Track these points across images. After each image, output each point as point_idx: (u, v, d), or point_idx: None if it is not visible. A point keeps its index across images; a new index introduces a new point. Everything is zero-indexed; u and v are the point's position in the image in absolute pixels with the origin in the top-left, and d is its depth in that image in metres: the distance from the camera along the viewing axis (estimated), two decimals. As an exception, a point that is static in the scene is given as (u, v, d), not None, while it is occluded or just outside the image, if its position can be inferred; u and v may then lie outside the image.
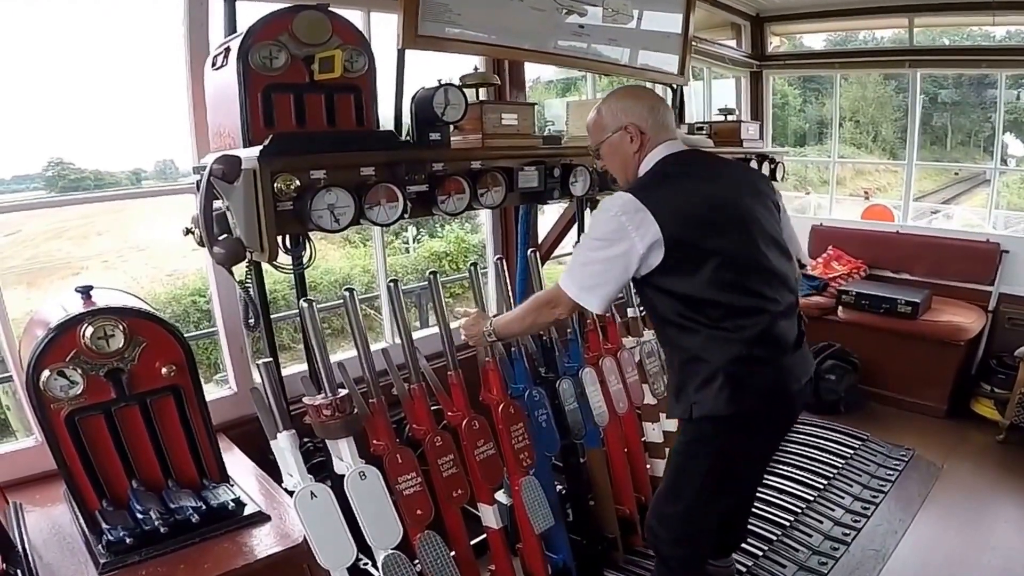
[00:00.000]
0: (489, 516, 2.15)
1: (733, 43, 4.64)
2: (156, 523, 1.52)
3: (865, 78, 15.17)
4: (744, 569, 2.51)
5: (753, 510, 2.53)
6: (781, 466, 3.21)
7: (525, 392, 2.27)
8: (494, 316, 1.99)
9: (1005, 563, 2.60)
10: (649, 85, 3.31)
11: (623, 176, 1.90)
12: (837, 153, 5.89)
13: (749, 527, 2.52)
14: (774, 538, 2.70)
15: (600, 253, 1.68)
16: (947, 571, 2.59)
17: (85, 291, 1.68)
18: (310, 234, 1.84)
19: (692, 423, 1.77)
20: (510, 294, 2.42)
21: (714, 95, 4.70)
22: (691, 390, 1.72)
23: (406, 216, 1.82)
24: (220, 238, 1.66)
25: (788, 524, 2.79)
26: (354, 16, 2.25)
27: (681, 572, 2.00)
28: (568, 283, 1.73)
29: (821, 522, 2.83)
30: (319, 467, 1.86)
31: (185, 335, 1.70)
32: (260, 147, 1.57)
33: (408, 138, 1.96)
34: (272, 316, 2.04)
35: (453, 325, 2.21)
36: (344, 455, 1.74)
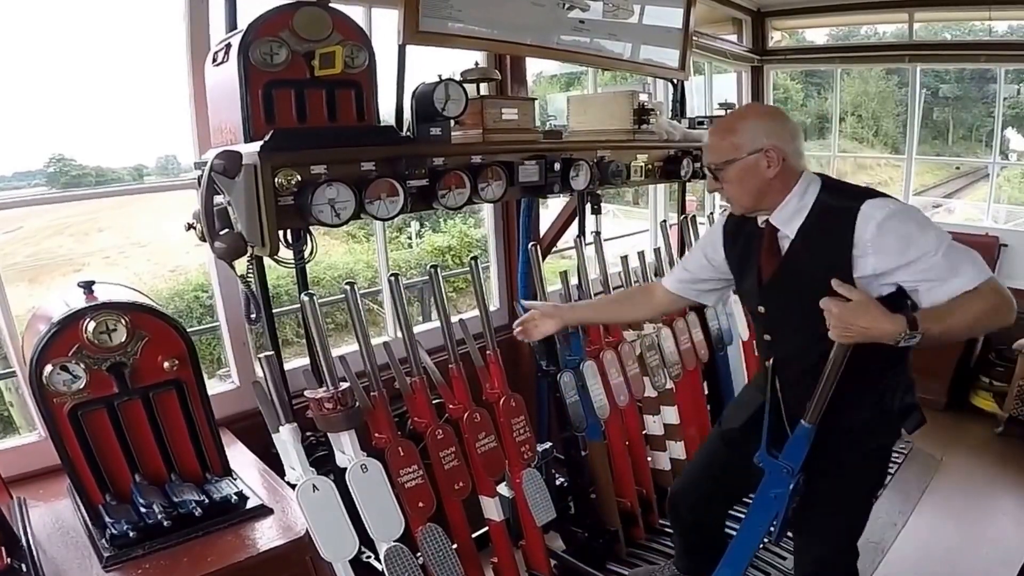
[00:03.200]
0: (491, 508, 2.16)
1: (734, 38, 4.63)
2: (159, 517, 1.53)
3: (867, 73, 15.11)
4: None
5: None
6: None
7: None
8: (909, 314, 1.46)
9: (1004, 555, 2.61)
10: (649, 80, 3.32)
11: (753, 203, 1.68)
12: (838, 148, 5.88)
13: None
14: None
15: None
16: (946, 563, 2.60)
17: (87, 286, 1.68)
18: (311, 228, 1.84)
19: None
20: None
21: (715, 90, 4.69)
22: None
23: (406, 210, 1.83)
24: (222, 233, 1.66)
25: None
26: (355, 12, 2.25)
27: None
28: (985, 270, 1.48)
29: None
30: (321, 460, 1.86)
31: (187, 330, 1.71)
32: (261, 142, 1.57)
33: (409, 133, 1.96)
34: (274, 310, 2.04)
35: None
36: (346, 448, 1.75)
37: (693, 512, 2.11)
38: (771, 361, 1.82)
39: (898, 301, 1.54)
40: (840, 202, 1.58)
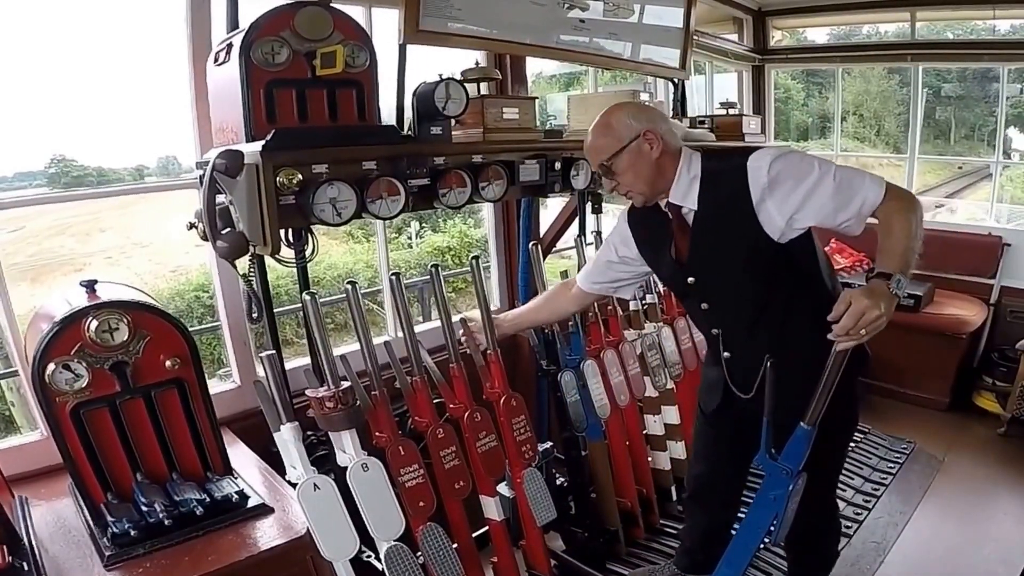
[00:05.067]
0: (491, 508, 2.16)
1: (735, 37, 4.63)
2: (161, 515, 1.53)
3: (868, 72, 15.09)
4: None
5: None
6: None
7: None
8: (877, 275, 1.52)
9: (1005, 555, 2.61)
10: (650, 80, 3.32)
11: (650, 188, 1.76)
12: (840, 147, 5.88)
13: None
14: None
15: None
16: (948, 563, 2.60)
17: (89, 285, 1.69)
18: (312, 228, 1.84)
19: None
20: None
21: (716, 89, 4.69)
22: None
23: (408, 210, 1.83)
24: (223, 232, 1.67)
25: (789, 517, 2.80)
26: (356, 11, 2.25)
27: None
28: (874, 177, 1.59)
29: (822, 515, 2.83)
30: (322, 460, 1.87)
31: (189, 329, 1.71)
32: (262, 142, 1.58)
33: (409, 132, 1.97)
34: (275, 310, 2.05)
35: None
36: (347, 447, 1.75)
37: (716, 493, 2.18)
38: (716, 330, 1.87)
39: (807, 244, 1.66)
40: (726, 163, 1.69)
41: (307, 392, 1.76)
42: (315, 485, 1.62)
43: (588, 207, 2.78)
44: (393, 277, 2.09)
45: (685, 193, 1.73)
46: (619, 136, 1.72)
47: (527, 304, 2.34)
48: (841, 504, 2.87)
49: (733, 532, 2.13)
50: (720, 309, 1.84)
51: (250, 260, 1.82)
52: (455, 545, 1.98)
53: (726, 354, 1.85)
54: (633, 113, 1.75)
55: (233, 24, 1.91)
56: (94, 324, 1.55)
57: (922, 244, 1.56)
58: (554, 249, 3.24)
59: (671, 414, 2.79)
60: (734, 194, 1.64)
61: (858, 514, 2.85)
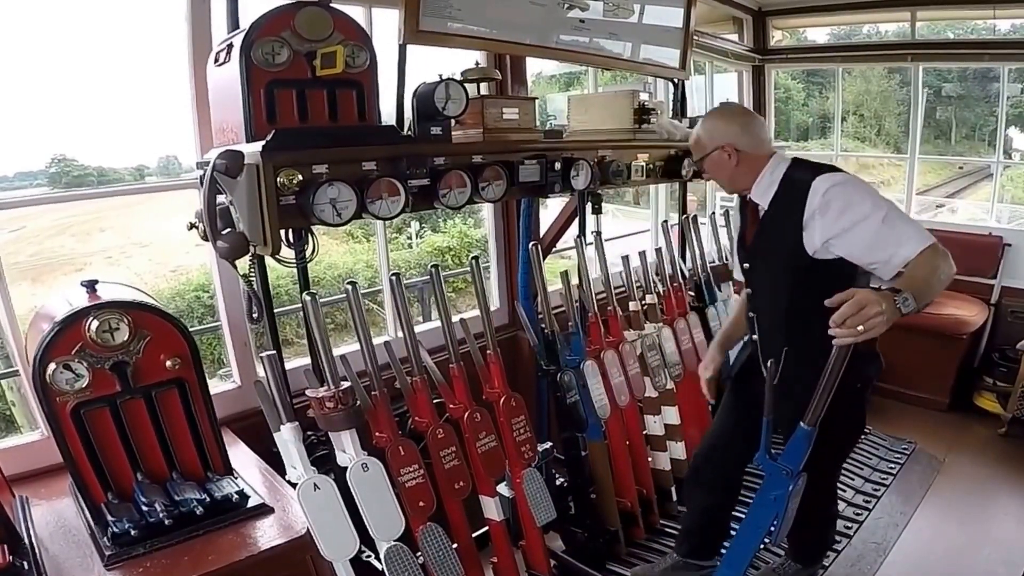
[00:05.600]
0: (491, 508, 2.16)
1: (735, 37, 4.63)
2: (161, 515, 1.53)
3: (869, 72, 15.09)
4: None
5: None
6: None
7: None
8: (888, 288, 1.57)
9: (1006, 555, 2.61)
10: (650, 80, 3.32)
11: (729, 185, 2.05)
12: (840, 147, 5.88)
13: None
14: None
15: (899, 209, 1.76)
16: (948, 564, 2.60)
17: (90, 285, 1.69)
18: (312, 228, 1.85)
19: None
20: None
21: (716, 89, 4.69)
22: None
23: (407, 210, 1.83)
24: (224, 232, 1.67)
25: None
26: (356, 12, 2.26)
27: None
28: (922, 232, 1.68)
29: (822, 515, 2.83)
30: (322, 460, 1.87)
31: (189, 329, 1.71)
32: (263, 142, 1.58)
33: (409, 133, 1.97)
34: (275, 310, 2.05)
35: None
36: (347, 447, 1.75)
37: (716, 468, 2.27)
38: (752, 314, 2.10)
39: (845, 267, 1.77)
40: (801, 175, 1.85)
41: (307, 392, 1.76)
42: (315, 485, 1.63)
43: (588, 207, 2.77)
44: (393, 277, 2.09)
45: (762, 193, 1.94)
46: (703, 146, 2.00)
47: (729, 319, 2.41)
48: (841, 504, 2.88)
49: (733, 530, 2.15)
50: (759, 298, 2.07)
51: (250, 260, 1.82)
52: (455, 545, 1.98)
53: (755, 336, 2.09)
54: (719, 127, 1.97)
55: (233, 24, 1.91)
56: (95, 324, 1.55)
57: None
58: (554, 249, 3.24)
59: (671, 414, 2.79)
60: (793, 205, 1.82)
61: (858, 514, 2.85)
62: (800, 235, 1.80)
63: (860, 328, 1.49)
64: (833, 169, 1.85)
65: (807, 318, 1.76)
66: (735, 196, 2.18)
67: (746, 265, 2.08)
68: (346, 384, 1.76)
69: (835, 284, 1.66)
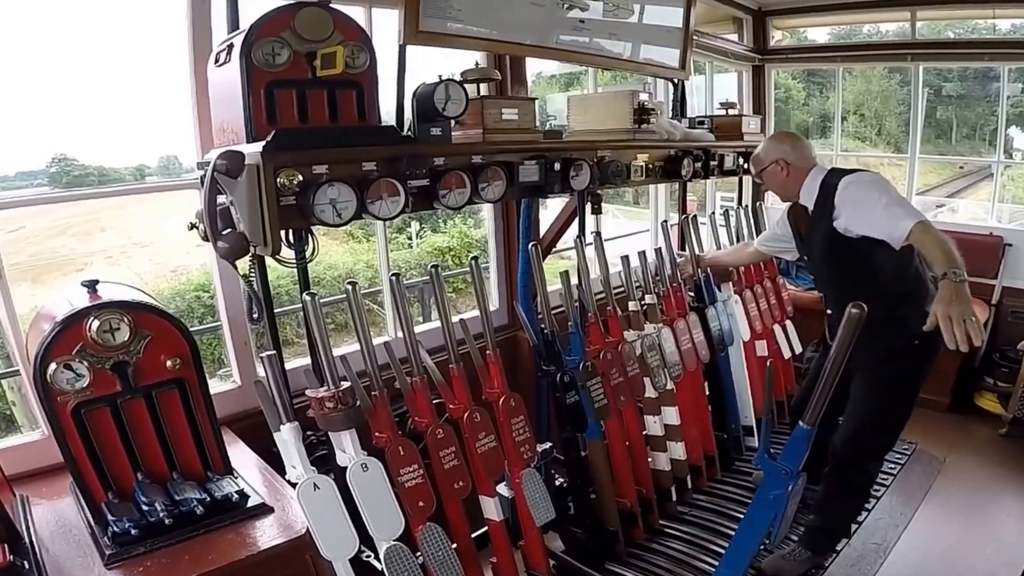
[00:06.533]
0: (490, 508, 2.16)
1: (735, 37, 4.63)
2: (161, 515, 1.54)
3: (869, 72, 15.09)
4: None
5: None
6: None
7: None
8: (943, 273, 1.87)
9: (1007, 556, 2.61)
10: (649, 80, 3.32)
11: (781, 193, 2.53)
12: (841, 147, 5.88)
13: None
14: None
15: (900, 196, 2.19)
16: (948, 564, 2.60)
17: (91, 285, 1.70)
18: (312, 228, 1.85)
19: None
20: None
21: (716, 89, 4.69)
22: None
23: (407, 210, 1.84)
24: (224, 233, 1.68)
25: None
26: (356, 12, 2.26)
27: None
28: (918, 215, 2.06)
29: (822, 515, 2.83)
30: (322, 460, 1.87)
31: (189, 329, 1.71)
32: (263, 143, 1.58)
33: (409, 133, 1.97)
34: (275, 310, 2.05)
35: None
36: (347, 447, 1.76)
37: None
38: (820, 293, 2.65)
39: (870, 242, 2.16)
40: (832, 180, 2.31)
41: (307, 392, 1.76)
42: (315, 485, 1.63)
43: (588, 208, 2.78)
44: (393, 278, 2.10)
45: (808, 197, 2.39)
46: (761, 161, 2.52)
47: (720, 251, 3.26)
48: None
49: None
50: (819, 280, 2.65)
51: (250, 260, 1.83)
52: (454, 545, 1.98)
53: (828, 311, 2.56)
54: (774, 146, 2.49)
55: (234, 25, 1.91)
56: (95, 324, 1.55)
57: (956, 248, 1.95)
58: (554, 250, 3.24)
59: (671, 415, 2.79)
60: (827, 202, 2.27)
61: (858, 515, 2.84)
62: (832, 223, 2.25)
63: (963, 322, 1.73)
64: (855, 171, 2.33)
65: (858, 284, 2.25)
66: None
67: (805, 256, 2.61)
68: (346, 384, 1.76)
69: (868, 255, 2.20)
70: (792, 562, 2.51)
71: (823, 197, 2.31)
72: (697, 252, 3.15)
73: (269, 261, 1.84)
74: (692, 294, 3.10)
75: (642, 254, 2.88)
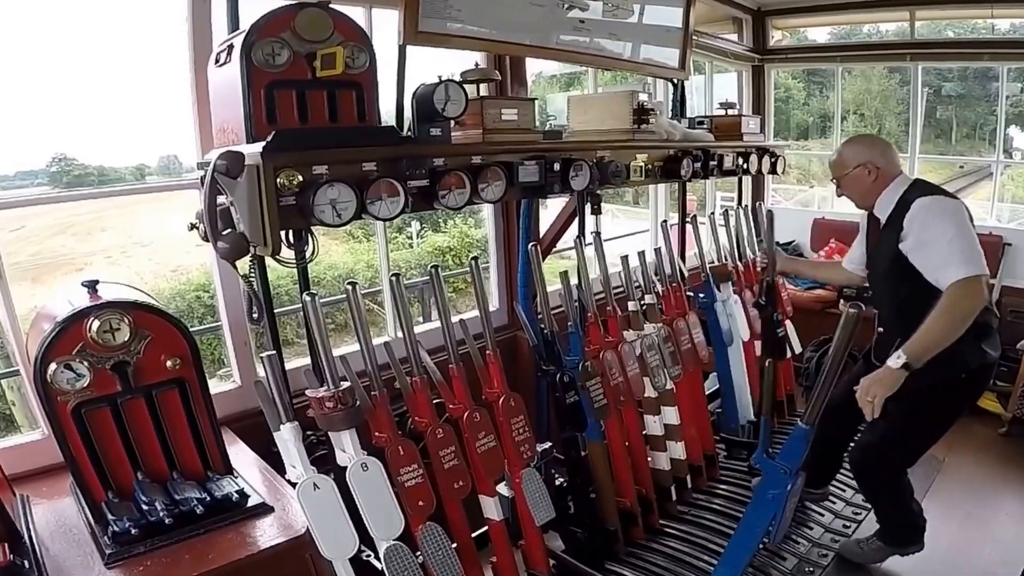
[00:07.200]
0: (490, 508, 2.17)
1: (734, 37, 4.64)
2: (161, 514, 1.54)
3: (869, 71, 15.09)
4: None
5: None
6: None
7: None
8: (897, 355, 2.07)
9: (1006, 555, 2.61)
10: (649, 80, 3.33)
11: (861, 200, 2.43)
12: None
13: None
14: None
15: (970, 233, 2.11)
16: (948, 564, 2.61)
17: (91, 285, 1.70)
18: (313, 229, 1.85)
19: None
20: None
21: (715, 89, 4.70)
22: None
23: (407, 211, 1.84)
24: (224, 233, 1.68)
25: (788, 516, 2.81)
26: (356, 13, 2.26)
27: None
28: (971, 267, 2.04)
29: (822, 515, 2.84)
30: (322, 459, 1.87)
31: (189, 329, 1.72)
32: (263, 143, 1.58)
33: (409, 133, 1.97)
34: (275, 310, 2.05)
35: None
36: (346, 447, 1.76)
37: (834, 412, 2.38)
38: (876, 310, 2.49)
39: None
40: (910, 197, 2.22)
41: (307, 392, 1.77)
42: (315, 484, 1.63)
43: (587, 208, 2.78)
44: (393, 278, 2.10)
45: (883, 210, 2.33)
46: (845, 164, 2.39)
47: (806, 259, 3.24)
48: (840, 504, 2.90)
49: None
50: (875, 294, 2.53)
51: (251, 261, 1.83)
52: (454, 545, 1.98)
53: (879, 329, 2.47)
54: (863, 149, 2.38)
55: (234, 25, 1.92)
56: (96, 324, 1.56)
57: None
58: (554, 250, 3.24)
59: (670, 415, 2.79)
60: (899, 220, 2.20)
61: (857, 514, 2.85)
62: (899, 243, 2.20)
63: (868, 400, 2.04)
64: (937, 192, 2.23)
65: (916, 310, 2.14)
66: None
67: (868, 269, 2.55)
68: (346, 384, 1.76)
69: (930, 284, 2.11)
70: (866, 551, 2.58)
71: (896, 213, 2.24)
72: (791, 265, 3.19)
73: (269, 261, 1.84)
74: (692, 294, 3.08)
75: (641, 254, 2.88)
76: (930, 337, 2.04)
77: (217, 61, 1.83)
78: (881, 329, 2.46)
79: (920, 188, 2.25)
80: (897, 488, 2.49)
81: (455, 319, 2.18)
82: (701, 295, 3.12)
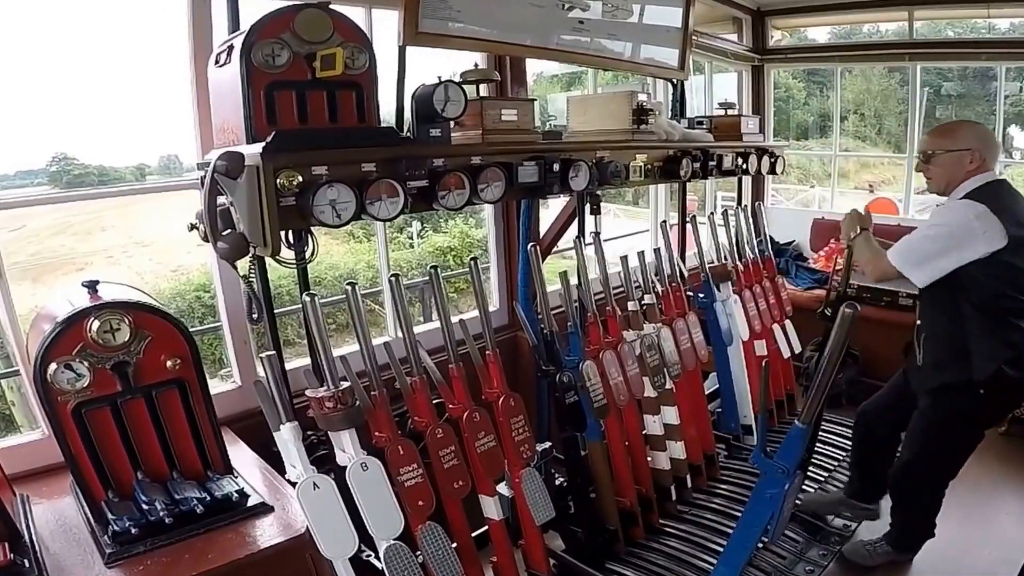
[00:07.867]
0: (490, 508, 2.17)
1: (734, 37, 4.63)
2: (161, 514, 1.55)
3: (869, 71, 15.06)
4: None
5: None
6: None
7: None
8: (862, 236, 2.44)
9: (1007, 555, 2.61)
10: (649, 80, 3.33)
11: (943, 185, 2.30)
12: (840, 146, 5.88)
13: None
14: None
15: (942, 242, 2.15)
16: (947, 562, 2.61)
17: (91, 285, 1.70)
18: (312, 229, 1.85)
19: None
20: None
21: (715, 89, 4.69)
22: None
23: (406, 211, 1.84)
24: (224, 233, 1.68)
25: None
26: (355, 13, 2.27)
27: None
28: (902, 260, 2.23)
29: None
30: (322, 459, 1.87)
31: (189, 329, 1.72)
32: (263, 144, 1.58)
33: (409, 134, 1.97)
34: (276, 310, 2.06)
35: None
36: (346, 447, 1.76)
37: (871, 427, 2.69)
38: (919, 320, 2.48)
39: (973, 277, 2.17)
40: (959, 195, 2.22)
41: (307, 392, 1.77)
42: (315, 484, 1.63)
43: (587, 208, 2.78)
44: (392, 279, 2.10)
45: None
46: (951, 141, 2.25)
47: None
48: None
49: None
50: (920, 297, 2.43)
51: (251, 261, 1.83)
52: (454, 544, 1.98)
53: (921, 336, 2.43)
54: (974, 134, 2.26)
55: (234, 26, 1.92)
56: (96, 324, 1.56)
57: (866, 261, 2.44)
58: (554, 250, 3.25)
59: (670, 414, 2.79)
60: None
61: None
62: None
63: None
64: (980, 199, 2.15)
65: (933, 310, 2.29)
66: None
67: None
68: (346, 384, 1.77)
69: (959, 299, 2.19)
70: (874, 555, 2.60)
71: None
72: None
73: (269, 261, 1.85)
74: (691, 294, 3.09)
75: (641, 254, 2.88)
76: (862, 255, 2.44)
77: (217, 61, 1.83)
78: (923, 335, 2.44)
79: (980, 192, 2.19)
80: (934, 504, 2.53)
81: (455, 319, 2.19)
82: (701, 295, 3.13)
